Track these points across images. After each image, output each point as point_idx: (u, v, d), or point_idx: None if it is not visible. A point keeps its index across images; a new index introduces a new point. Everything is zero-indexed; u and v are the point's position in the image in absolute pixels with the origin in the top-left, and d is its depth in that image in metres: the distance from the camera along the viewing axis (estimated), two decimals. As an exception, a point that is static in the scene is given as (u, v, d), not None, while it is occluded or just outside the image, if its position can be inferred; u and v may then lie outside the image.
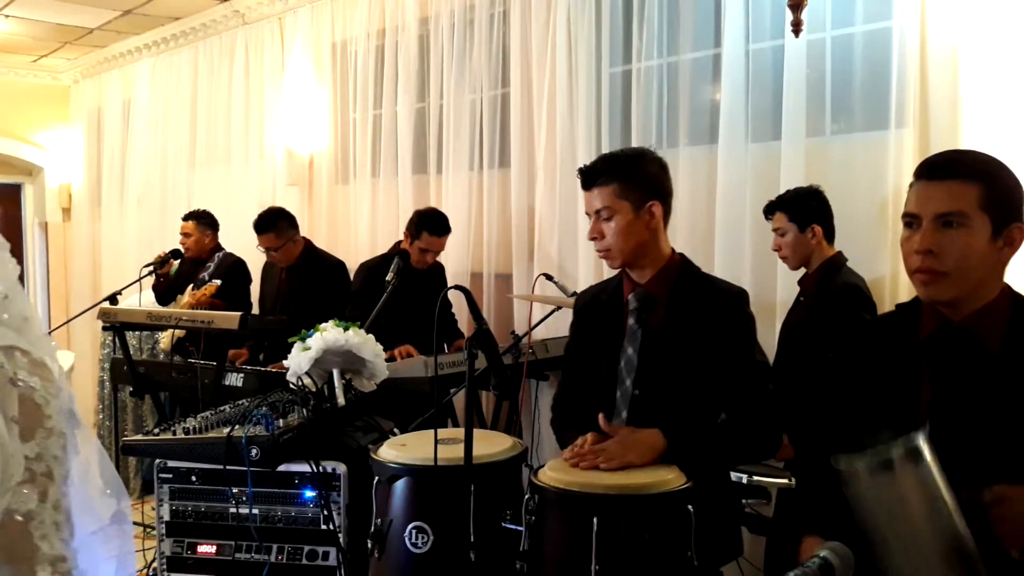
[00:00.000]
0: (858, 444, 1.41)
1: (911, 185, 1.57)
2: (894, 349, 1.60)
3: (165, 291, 5.26)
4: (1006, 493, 1.39)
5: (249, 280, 5.11)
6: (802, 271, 3.16)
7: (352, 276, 4.31)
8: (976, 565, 1.36)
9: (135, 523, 4.57)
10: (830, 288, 2.95)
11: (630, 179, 2.06)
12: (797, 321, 3.10)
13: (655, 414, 2.02)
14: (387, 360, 3.56)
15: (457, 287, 2.04)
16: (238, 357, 4.35)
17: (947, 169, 1.52)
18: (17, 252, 8.20)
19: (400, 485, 2.09)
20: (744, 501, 2.74)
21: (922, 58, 3.10)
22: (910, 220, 1.54)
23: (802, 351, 2.97)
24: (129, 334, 5.01)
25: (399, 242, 4.14)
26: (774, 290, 3.44)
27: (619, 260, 2.11)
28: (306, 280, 4.45)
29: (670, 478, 1.83)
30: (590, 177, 2.09)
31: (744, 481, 2.72)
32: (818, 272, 3.06)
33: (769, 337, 3.22)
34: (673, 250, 2.17)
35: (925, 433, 1.38)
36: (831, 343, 2.69)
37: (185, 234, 5.22)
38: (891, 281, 3.17)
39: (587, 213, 2.13)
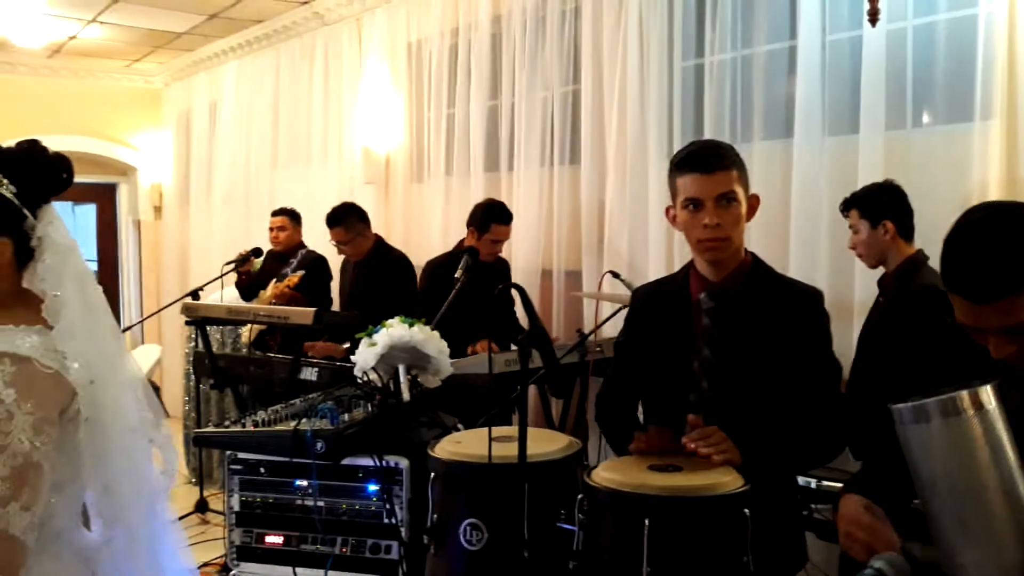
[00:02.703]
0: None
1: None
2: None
3: (249, 287, 5.43)
4: None
5: (330, 277, 5.22)
6: (881, 270, 3.04)
7: (419, 274, 4.35)
8: None
9: (217, 511, 4.73)
10: (907, 289, 2.83)
11: (743, 167, 2.00)
12: (873, 322, 2.99)
13: (732, 416, 1.95)
14: (469, 354, 3.60)
15: (513, 285, 2.02)
16: (325, 351, 4.41)
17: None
18: (113, 248, 8.55)
19: (455, 481, 2.10)
20: (813, 507, 2.66)
21: (1010, 46, 2.94)
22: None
23: (878, 353, 2.85)
24: (214, 328, 5.18)
25: (463, 239, 4.16)
26: (852, 289, 3.32)
27: (729, 251, 2.01)
28: (373, 275, 4.53)
29: (726, 480, 1.79)
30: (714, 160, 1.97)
31: (813, 486, 2.63)
32: (897, 271, 2.94)
33: (846, 338, 3.10)
34: (745, 248, 2.09)
35: (994, 386, 1.32)
36: (909, 347, 2.57)
37: (280, 228, 5.37)
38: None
39: (701, 198, 1.95)
